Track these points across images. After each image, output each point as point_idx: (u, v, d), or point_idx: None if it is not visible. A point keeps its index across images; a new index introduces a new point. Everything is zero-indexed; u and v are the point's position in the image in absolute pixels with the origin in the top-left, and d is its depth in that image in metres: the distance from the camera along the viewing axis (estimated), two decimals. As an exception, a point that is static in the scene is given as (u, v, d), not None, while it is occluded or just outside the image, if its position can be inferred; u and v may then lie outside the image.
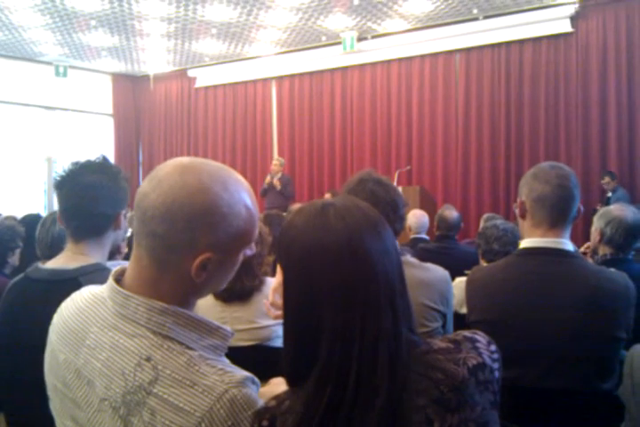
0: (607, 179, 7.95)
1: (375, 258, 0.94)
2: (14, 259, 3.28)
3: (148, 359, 0.97)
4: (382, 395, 0.89)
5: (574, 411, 1.70)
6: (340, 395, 0.90)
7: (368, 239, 0.95)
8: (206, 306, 2.35)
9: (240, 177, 1.07)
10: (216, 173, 1.03)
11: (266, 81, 12.00)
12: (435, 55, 10.00)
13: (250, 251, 1.08)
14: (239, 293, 2.34)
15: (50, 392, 1.12)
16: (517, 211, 1.96)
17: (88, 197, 1.70)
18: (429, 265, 2.06)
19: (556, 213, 1.86)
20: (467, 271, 3.30)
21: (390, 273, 0.95)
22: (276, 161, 9.57)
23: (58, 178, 1.72)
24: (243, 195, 1.04)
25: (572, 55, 8.77)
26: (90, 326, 1.06)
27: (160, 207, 0.97)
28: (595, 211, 3.33)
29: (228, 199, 1.00)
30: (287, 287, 0.99)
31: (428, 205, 7.68)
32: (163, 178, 1.00)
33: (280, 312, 1.08)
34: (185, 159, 1.05)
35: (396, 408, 0.90)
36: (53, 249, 2.10)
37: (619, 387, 1.58)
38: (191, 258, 0.99)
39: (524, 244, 1.91)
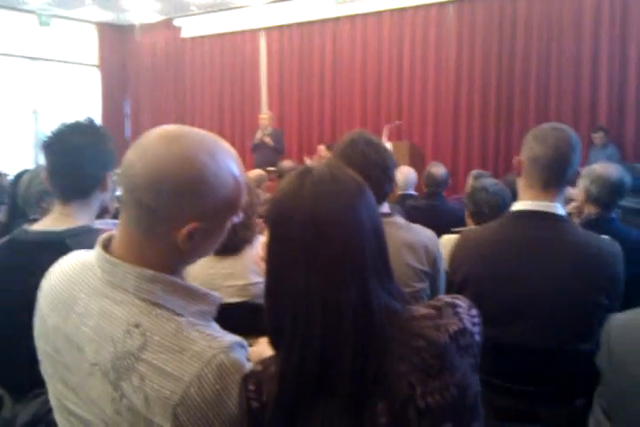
0: (601, 133, 7.89)
1: (340, 229, 0.96)
2: (0, 215, 3.26)
3: (137, 326, 0.99)
4: (348, 364, 0.92)
5: (554, 369, 1.75)
6: (306, 362, 0.93)
7: (335, 209, 0.96)
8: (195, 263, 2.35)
9: (227, 145, 1.07)
10: (202, 141, 1.02)
11: (254, 32, 11.73)
12: (427, 6, 9.78)
13: (237, 218, 1.09)
14: (232, 246, 2.32)
15: (40, 356, 1.14)
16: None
17: (76, 158, 1.69)
18: (416, 226, 2.07)
19: (549, 174, 1.87)
20: (454, 229, 3.34)
21: (358, 243, 0.97)
22: (265, 115, 9.41)
23: (46, 139, 1.72)
24: (230, 163, 1.03)
25: (565, 7, 8.60)
26: (78, 293, 1.07)
27: (146, 177, 0.97)
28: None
29: (214, 168, 1.00)
30: (267, 246, 1.03)
31: (417, 160, 7.67)
32: (148, 147, 1.00)
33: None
34: (171, 128, 1.05)
35: (371, 377, 0.93)
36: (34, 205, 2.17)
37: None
38: (178, 227, 0.99)
39: (517, 206, 1.93)
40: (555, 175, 1.88)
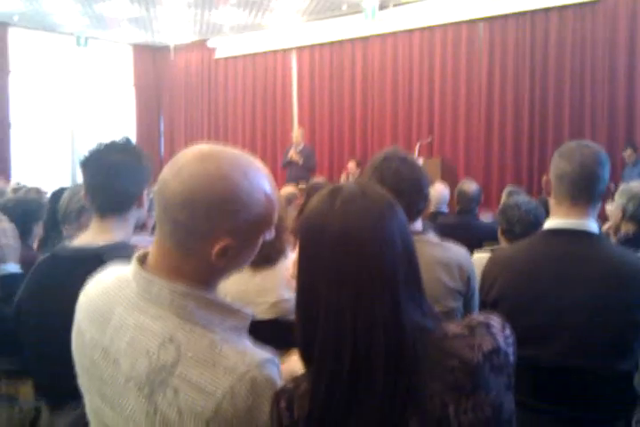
0: (629, 151, 7.78)
1: (371, 246, 0.96)
2: (38, 230, 3.33)
3: (171, 341, 1.00)
4: (379, 382, 0.92)
5: (591, 389, 1.72)
6: (337, 379, 0.93)
7: (365, 226, 0.97)
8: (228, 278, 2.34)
9: (259, 164, 1.09)
10: (236, 160, 1.04)
11: (286, 51, 11.91)
12: (458, 24, 9.81)
13: (269, 235, 1.11)
14: (265, 258, 2.31)
15: (78, 369, 1.16)
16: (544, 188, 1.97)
17: (113, 176, 1.73)
18: (449, 243, 2.05)
19: (577, 190, 1.85)
20: (485, 245, 3.30)
21: (389, 261, 0.96)
22: (298, 132, 9.56)
23: (83, 158, 1.76)
24: (262, 182, 1.05)
25: (598, 24, 8.54)
26: (115, 307, 1.09)
27: (180, 195, 1.00)
28: (616, 187, 3.32)
29: (247, 187, 1.02)
30: (298, 263, 1.03)
31: (449, 176, 7.67)
32: (183, 166, 1.02)
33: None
34: (205, 147, 1.07)
35: (403, 395, 0.92)
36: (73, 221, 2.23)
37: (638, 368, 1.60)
38: (212, 244, 1.01)
39: (548, 224, 1.91)
40: (583, 191, 1.86)
